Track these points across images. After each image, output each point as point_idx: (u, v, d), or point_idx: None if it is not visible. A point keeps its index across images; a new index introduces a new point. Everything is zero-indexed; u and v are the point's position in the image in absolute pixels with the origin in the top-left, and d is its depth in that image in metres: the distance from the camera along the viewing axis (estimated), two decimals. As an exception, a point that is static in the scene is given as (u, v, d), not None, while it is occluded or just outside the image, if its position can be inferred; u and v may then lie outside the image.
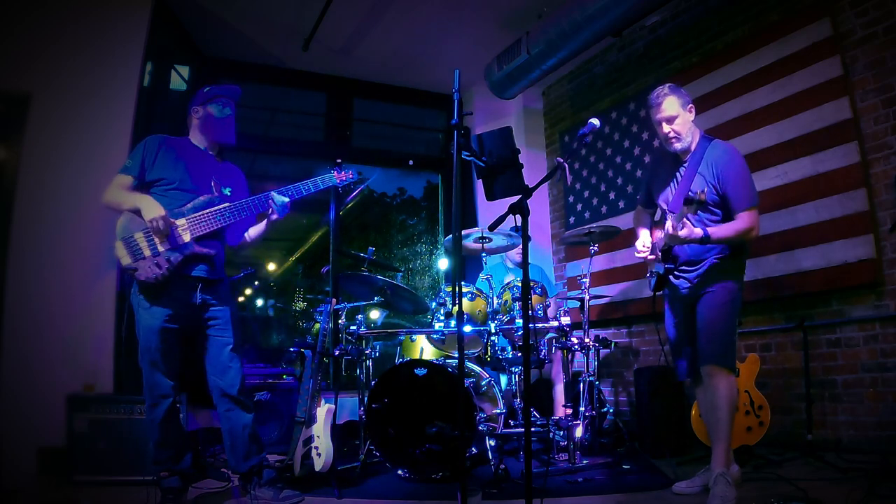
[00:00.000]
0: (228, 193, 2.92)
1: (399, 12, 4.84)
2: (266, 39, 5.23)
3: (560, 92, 5.97)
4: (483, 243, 3.89)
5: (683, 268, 2.89)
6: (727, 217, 2.78)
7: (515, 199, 2.34)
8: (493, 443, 3.40)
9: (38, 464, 3.35)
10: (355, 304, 3.79)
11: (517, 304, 3.76)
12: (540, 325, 3.76)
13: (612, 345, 4.09)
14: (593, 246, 4.00)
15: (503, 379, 4.08)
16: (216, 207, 2.79)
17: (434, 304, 3.91)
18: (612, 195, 5.21)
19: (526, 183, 2.46)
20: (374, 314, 4.26)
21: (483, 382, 3.57)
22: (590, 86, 5.62)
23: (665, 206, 2.95)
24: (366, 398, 3.43)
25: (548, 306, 3.96)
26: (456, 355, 3.26)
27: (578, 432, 3.57)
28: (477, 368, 3.64)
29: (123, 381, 3.81)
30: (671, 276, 2.94)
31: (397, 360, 3.93)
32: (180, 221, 2.74)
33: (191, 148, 2.95)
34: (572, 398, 3.73)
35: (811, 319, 3.62)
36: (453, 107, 2.34)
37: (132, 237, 2.70)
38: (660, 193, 3.01)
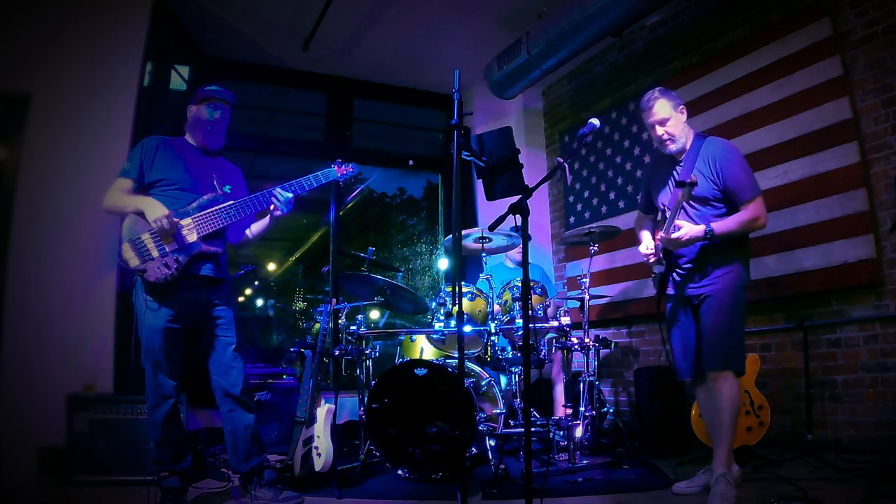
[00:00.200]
0: (229, 191, 2.92)
1: (399, 12, 4.84)
2: (266, 39, 5.23)
3: (560, 92, 5.97)
4: (483, 243, 3.89)
5: (687, 265, 2.89)
6: (732, 211, 2.79)
7: (515, 199, 2.34)
8: (493, 443, 3.40)
9: (38, 464, 3.35)
10: (355, 304, 3.79)
11: (517, 304, 3.76)
12: (540, 325, 3.76)
13: (612, 345, 4.09)
14: (593, 246, 4.01)
15: (503, 379, 4.08)
16: (221, 205, 2.79)
17: (434, 304, 3.91)
18: (612, 195, 5.21)
19: (526, 183, 2.46)
20: (375, 314, 4.26)
21: (483, 382, 3.57)
22: (590, 86, 5.62)
23: (664, 207, 2.95)
24: (366, 398, 3.43)
25: (548, 306, 3.96)
26: (456, 355, 3.26)
27: (578, 432, 3.57)
28: (477, 368, 3.64)
29: (123, 381, 3.82)
30: (674, 274, 2.94)
31: (397, 360, 3.93)
32: (186, 221, 2.74)
33: (188, 147, 2.96)
34: (572, 398, 3.73)
35: (811, 319, 3.62)
36: (453, 107, 2.34)
37: (139, 238, 2.69)
38: (658, 195, 3.02)
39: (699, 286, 2.84)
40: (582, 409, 3.70)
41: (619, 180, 5.14)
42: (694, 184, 2.57)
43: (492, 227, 2.48)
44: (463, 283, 3.91)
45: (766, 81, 3.94)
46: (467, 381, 3.40)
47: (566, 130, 5.81)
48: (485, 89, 5.56)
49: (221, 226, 2.78)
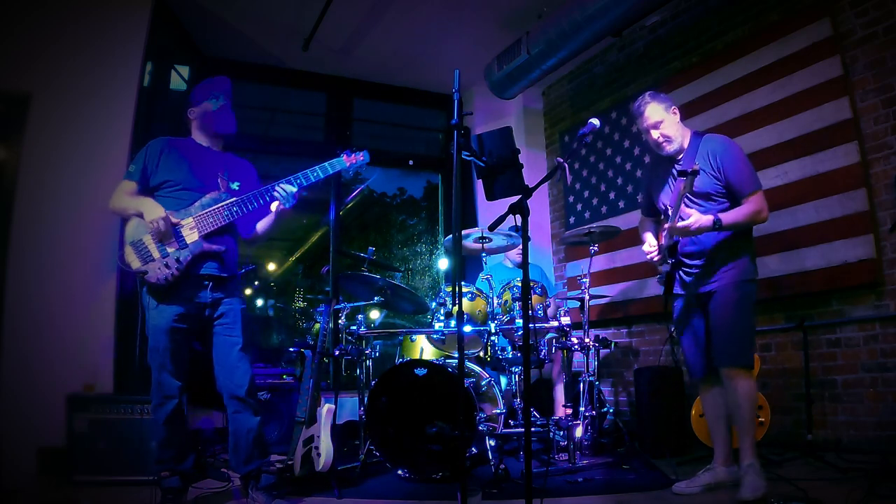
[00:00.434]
0: (237, 188, 2.90)
1: (399, 12, 4.84)
2: (266, 39, 5.23)
3: (560, 92, 5.97)
4: (483, 243, 3.89)
5: (693, 262, 2.89)
6: (734, 205, 2.80)
7: (515, 199, 2.34)
8: (493, 443, 3.40)
9: (38, 464, 3.35)
10: (355, 304, 3.79)
11: (517, 304, 3.76)
12: (540, 325, 3.76)
13: (612, 345, 4.09)
14: (593, 246, 4.01)
15: (503, 379, 4.08)
16: (223, 203, 2.79)
17: (434, 304, 3.91)
18: (612, 195, 5.21)
19: (526, 183, 2.46)
20: (374, 314, 4.26)
21: (483, 382, 3.57)
22: (590, 86, 5.62)
23: (666, 206, 2.95)
24: (366, 398, 3.43)
25: (548, 306, 3.96)
26: (456, 355, 3.26)
27: (578, 432, 3.56)
28: (477, 368, 3.64)
29: (123, 381, 3.82)
30: (681, 273, 2.95)
31: (397, 360, 3.93)
32: (187, 220, 2.74)
33: (194, 147, 2.95)
34: (572, 398, 3.73)
35: (811, 319, 3.62)
36: (453, 107, 2.33)
37: (140, 240, 2.71)
38: (659, 195, 3.02)
39: (706, 283, 2.84)
40: (582, 409, 3.70)
41: (619, 180, 5.14)
42: (696, 173, 2.56)
43: (492, 227, 2.48)
44: (463, 283, 3.91)
45: (766, 81, 3.94)
46: (467, 381, 3.40)
47: (566, 130, 5.81)
48: (485, 89, 5.56)
49: (223, 223, 2.78)
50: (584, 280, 3.90)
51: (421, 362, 3.40)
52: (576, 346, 3.72)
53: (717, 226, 2.69)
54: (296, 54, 5.27)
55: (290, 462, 3.05)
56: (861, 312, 3.47)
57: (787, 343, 3.79)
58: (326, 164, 2.92)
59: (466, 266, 5.78)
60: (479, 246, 3.93)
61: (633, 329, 5.02)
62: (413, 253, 8.09)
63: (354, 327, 3.71)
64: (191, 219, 2.75)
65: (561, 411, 3.97)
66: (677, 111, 2.94)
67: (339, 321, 3.82)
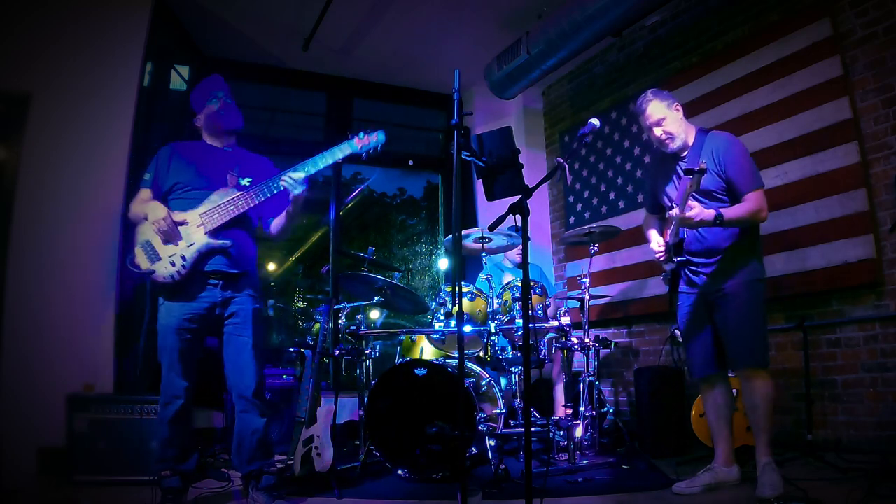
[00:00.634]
0: (247, 184, 2.88)
1: (399, 12, 4.84)
2: (266, 39, 5.23)
3: (560, 92, 5.97)
4: (483, 243, 3.89)
5: (699, 260, 2.88)
6: (734, 202, 2.79)
7: (515, 199, 2.34)
8: (493, 443, 3.40)
9: (38, 464, 3.35)
10: (355, 304, 3.79)
11: (517, 304, 3.76)
12: (540, 325, 3.76)
13: (612, 345, 4.09)
14: (593, 246, 4.01)
15: (503, 379, 4.08)
16: (228, 198, 2.79)
17: (434, 304, 3.91)
18: (612, 195, 5.21)
19: (526, 183, 2.46)
20: (374, 314, 4.26)
21: (483, 382, 3.57)
22: (590, 86, 5.62)
23: (671, 203, 2.93)
24: (366, 398, 3.43)
25: (548, 306, 3.96)
26: (456, 355, 3.26)
27: (578, 432, 3.56)
28: (477, 368, 3.64)
29: (123, 381, 3.82)
30: (687, 271, 2.94)
31: (397, 360, 3.93)
32: (193, 218, 2.75)
33: (202, 148, 2.97)
34: (572, 398, 3.73)
35: (811, 319, 3.62)
36: (453, 107, 2.33)
37: (148, 241, 2.74)
38: (663, 192, 3.01)
39: (716, 282, 2.83)
40: (582, 409, 3.70)
41: (619, 180, 5.14)
42: (704, 171, 2.53)
43: (492, 227, 2.48)
44: (463, 283, 3.91)
45: (766, 81, 3.94)
46: (467, 381, 3.40)
47: (566, 130, 5.81)
48: (485, 89, 5.56)
49: (228, 218, 2.76)
50: (584, 280, 3.90)
51: (421, 362, 3.40)
52: (576, 346, 3.72)
53: (718, 220, 2.68)
54: (296, 54, 5.27)
55: (290, 462, 3.05)
56: (861, 312, 3.47)
57: (787, 343, 3.79)
58: (335, 148, 2.82)
59: (466, 266, 5.78)
60: (479, 246, 3.93)
61: (633, 329, 5.02)
62: (413, 253, 8.10)
63: (354, 327, 3.71)
64: (197, 216, 2.76)
65: (561, 411, 3.96)
66: (680, 108, 2.92)
67: (339, 321, 3.82)
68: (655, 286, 4.62)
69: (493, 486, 2.97)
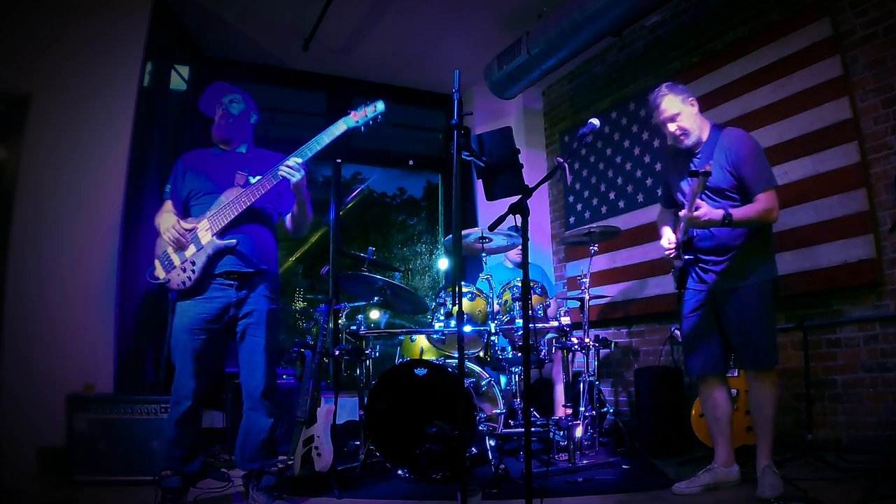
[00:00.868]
0: (255, 181, 2.86)
1: (399, 12, 4.84)
2: (266, 39, 5.23)
3: (560, 92, 5.97)
4: (483, 243, 3.89)
5: (709, 258, 2.86)
6: (746, 202, 2.76)
7: (515, 199, 2.34)
8: (493, 443, 3.40)
9: (38, 464, 3.35)
10: (355, 304, 3.79)
11: (517, 304, 3.76)
12: (540, 325, 3.76)
13: (612, 345, 4.09)
14: (593, 246, 4.01)
15: (503, 379, 4.08)
16: (233, 197, 2.79)
17: (434, 304, 3.90)
18: (612, 195, 5.21)
19: (526, 183, 2.46)
20: (375, 314, 4.25)
21: (483, 382, 3.57)
22: (590, 86, 5.62)
23: (683, 198, 2.92)
24: (366, 398, 3.43)
25: (548, 306, 3.96)
26: (456, 355, 3.26)
27: (578, 432, 3.56)
28: (477, 368, 3.64)
29: (123, 381, 3.82)
30: (697, 269, 2.92)
31: (397, 360, 3.93)
32: (202, 223, 2.77)
33: (212, 154, 2.99)
34: (572, 398, 3.73)
35: (811, 319, 3.62)
36: (453, 107, 2.33)
37: (164, 251, 2.80)
38: (678, 188, 2.99)
39: (727, 281, 2.81)
40: (582, 409, 3.70)
41: (619, 180, 5.14)
42: (708, 174, 2.49)
43: (492, 227, 2.48)
44: (463, 283, 3.91)
45: (766, 81, 3.94)
46: (467, 381, 3.40)
47: (566, 130, 5.81)
48: (485, 89, 5.56)
49: (233, 216, 2.75)
50: (584, 280, 3.90)
51: (421, 362, 3.40)
52: (576, 346, 3.72)
53: (726, 220, 2.65)
54: (296, 54, 5.27)
55: (290, 462, 3.05)
56: (861, 312, 3.47)
57: (788, 343, 3.79)
58: (332, 127, 2.78)
59: (466, 266, 5.78)
60: (479, 246, 3.93)
61: (633, 329, 5.02)
62: (413, 253, 8.09)
63: (354, 327, 3.71)
64: (205, 220, 2.77)
65: (561, 411, 3.96)
66: (695, 102, 2.86)
67: (339, 321, 3.82)
68: (655, 286, 4.62)
69: (493, 486, 2.97)
